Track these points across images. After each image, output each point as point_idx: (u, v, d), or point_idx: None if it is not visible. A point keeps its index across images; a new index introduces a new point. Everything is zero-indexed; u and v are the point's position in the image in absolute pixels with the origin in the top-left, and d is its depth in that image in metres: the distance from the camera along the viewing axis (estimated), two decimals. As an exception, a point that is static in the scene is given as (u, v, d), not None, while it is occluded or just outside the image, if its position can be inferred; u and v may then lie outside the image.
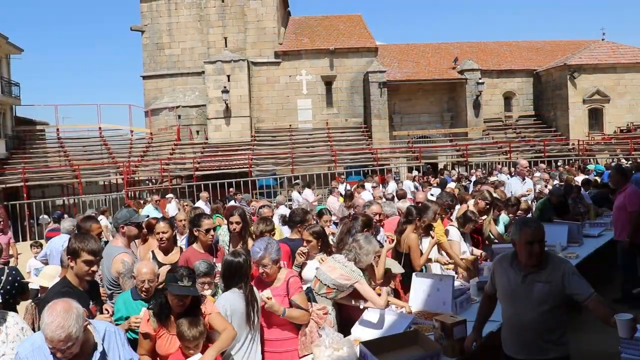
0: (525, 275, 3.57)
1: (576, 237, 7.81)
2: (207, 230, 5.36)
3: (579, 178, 14.04)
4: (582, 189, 10.71)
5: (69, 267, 3.71)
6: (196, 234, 5.42)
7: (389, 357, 3.64)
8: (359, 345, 3.84)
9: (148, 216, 6.53)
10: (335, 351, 3.73)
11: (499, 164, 22.30)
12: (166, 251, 5.54)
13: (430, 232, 6.27)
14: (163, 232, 5.52)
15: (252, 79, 27.93)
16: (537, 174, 12.83)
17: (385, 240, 5.85)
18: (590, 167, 19.61)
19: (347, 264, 4.69)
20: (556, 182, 12.80)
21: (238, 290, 4.07)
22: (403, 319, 4.46)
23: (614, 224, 7.70)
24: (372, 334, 4.25)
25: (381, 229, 6.92)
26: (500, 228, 7.93)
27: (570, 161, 23.04)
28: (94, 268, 3.72)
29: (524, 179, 10.68)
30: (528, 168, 11.47)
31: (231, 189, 18.56)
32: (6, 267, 5.21)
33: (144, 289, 4.24)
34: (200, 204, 13.97)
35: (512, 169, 16.78)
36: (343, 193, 14.05)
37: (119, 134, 30.95)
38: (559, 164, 21.29)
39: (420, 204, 7.01)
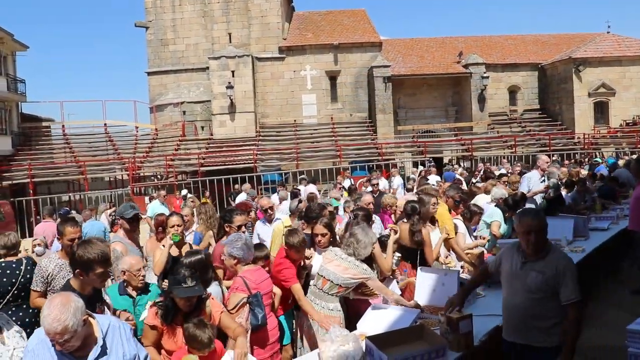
0: (525, 262, 3.75)
1: (582, 231, 7.77)
2: (239, 227, 5.31)
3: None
4: (587, 182, 10.70)
5: (78, 277, 3.54)
6: (227, 229, 5.35)
7: (395, 352, 3.65)
8: (364, 340, 3.86)
9: (138, 212, 6.42)
10: (341, 346, 3.75)
11: (504, 157, 22.30)
12: (178, 245, 5.54)
13: (440, 227, 6.27)
14: (178, 226, 5.61)
15: (256, 74, 27.93)
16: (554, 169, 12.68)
17: (389, 232, 5.85)
18: (598, 159, 19.53)
19: (357, 262, 4.69)
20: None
21: (216, 282, 4.17)
22: (409, 313, 4.48)
23: (631, 214, 7.32)
24: (378, 329, 4.27)
25: (377, 219, 7.01)
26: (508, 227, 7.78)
27: (576, 155, 22.96)
28: (107, 277, 3.70)
29: (543, 175, 10.46)
30: (549, 163, 11.22)
31: (236, 186, 18.56)
32: (24, 258, 5.23)
33: (140, 277, 4.42)
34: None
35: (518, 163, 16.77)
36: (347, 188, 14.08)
37: (124, 130, 30.99)
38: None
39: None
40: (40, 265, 4.68)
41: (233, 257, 4.42)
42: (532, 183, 10.07)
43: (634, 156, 17.96)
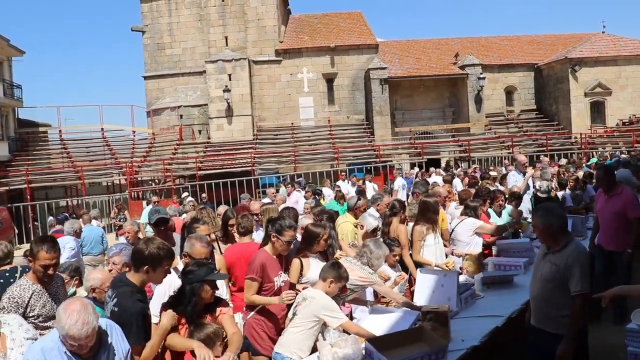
0: (547, 253, 4.02)
1: (580, 230, 7.80)
2: (289, 242, 4.78)
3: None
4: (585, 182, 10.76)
5: (144, 273, 3.57)
6: (273, 239, 4.76)
7: (395, 354, 3.65)
8: (364, 343, 3.86)
9: (163, 216, 6.31)
10: (340, 349, 3.74)
11: (506, 159, 22.26)
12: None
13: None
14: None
15: (253, 77, 27.93)
16: (548, 170, 12.74)
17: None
18: (594, 160, 19.52)
19: (364, 267, 4.72)
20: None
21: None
22: (408, 315, 4.49)
23: (607, 231, 6.59)
24: (377, 331, 4.26)
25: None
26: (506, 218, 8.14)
27: (574, 155, 22.95)
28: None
29: (522, 172, 10.78)
30: (526, 163, 11.44)
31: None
32: (19, 266, 5.10)
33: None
34: (266, 201, 13.74)
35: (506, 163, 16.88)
36: (346, 191, 13.98)
37: (122, 134, 30.99)
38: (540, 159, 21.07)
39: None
40: (12, 294, 3.97)
41: (125, 264, 4.64)
42: (516, 179, 10.45)
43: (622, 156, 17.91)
